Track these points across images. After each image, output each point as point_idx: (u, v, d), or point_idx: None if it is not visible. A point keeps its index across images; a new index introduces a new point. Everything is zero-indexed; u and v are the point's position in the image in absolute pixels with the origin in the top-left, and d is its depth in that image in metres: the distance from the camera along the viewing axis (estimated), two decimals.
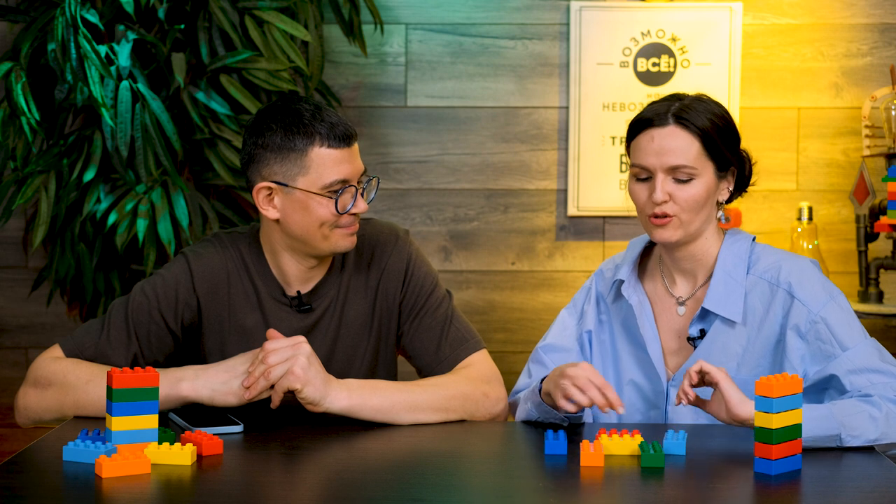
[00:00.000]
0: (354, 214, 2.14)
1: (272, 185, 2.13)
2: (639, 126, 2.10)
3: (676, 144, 2.06)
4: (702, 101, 2.10)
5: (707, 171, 2.08)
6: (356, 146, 2.15)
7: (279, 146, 2.11)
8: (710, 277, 2.13)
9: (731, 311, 2.09)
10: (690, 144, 2.06)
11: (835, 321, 2.03)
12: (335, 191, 2.10)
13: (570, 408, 1.96)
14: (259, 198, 2.14)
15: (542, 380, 2.08)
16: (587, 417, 2.18)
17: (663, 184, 2.06)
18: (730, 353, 2.10)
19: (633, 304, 2.16)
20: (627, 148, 2.14)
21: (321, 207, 2.11)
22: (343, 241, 2.15)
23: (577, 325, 2.25)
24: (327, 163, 2.10)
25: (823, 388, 2.04)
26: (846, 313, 2.05)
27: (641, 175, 2.09)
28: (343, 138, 2.11)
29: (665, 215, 2.06)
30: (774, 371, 2.07)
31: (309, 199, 2.11)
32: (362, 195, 2.14)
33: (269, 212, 2.14)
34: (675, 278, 2.18)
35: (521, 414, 2.15)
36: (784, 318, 2.07)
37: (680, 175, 2.06)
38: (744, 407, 1.89)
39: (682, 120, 2.06)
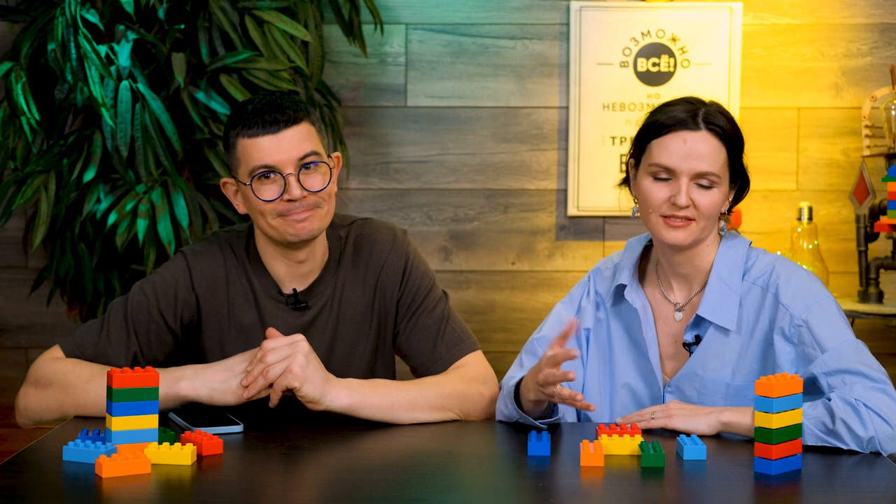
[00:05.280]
0: (291, 201, 2.10)
1: (229, 180, 2.19)
2: (665, 126, 2.06)
3: (707, 150, 2.04)
4: (719, 109, 2.09)
5: (725, 180, 2.08)
6: (289, 132, 2.09)
7: (225, 142, 2.17)
8: (706, 283, 2.13)
9: (725, 318, 2.08)
10: (719, 152, 2.05)
11: (817, 324, 2.01)
12: (259, 177, 2.10)
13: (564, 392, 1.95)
14: (228, 194, 2.20)
15: (517, 385, 2.07)
16: (568, 416, 2.15)
17: (688, 188, 2.04)
18: (724, 359, 2.09)
19: (637, 308, 2.15)
20: (642, 145, 2.10)
21: (253, 197, 2.12)
22: (289, 228, 2.12)
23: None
24: (250, 151, 2.11)
25: (810, 391, 2.03)
26: (831, 316, 2.03)
27: (661, 175, 2.06)
28: (267, 124, 2.09)
29: (686, 218, 2.06)
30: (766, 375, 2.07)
31: (247, 190, 2.12)
32: (298, 180, 2.10)
33: (238, 207, 2.19)
34: (671, 284, 2.17)
35: (500, 412, 2.14)
36: (771, 322, 2.06)
37: (703, 181, 2.05)
38: (695, 422, 1.98)
39: (712, 126, 2.05)
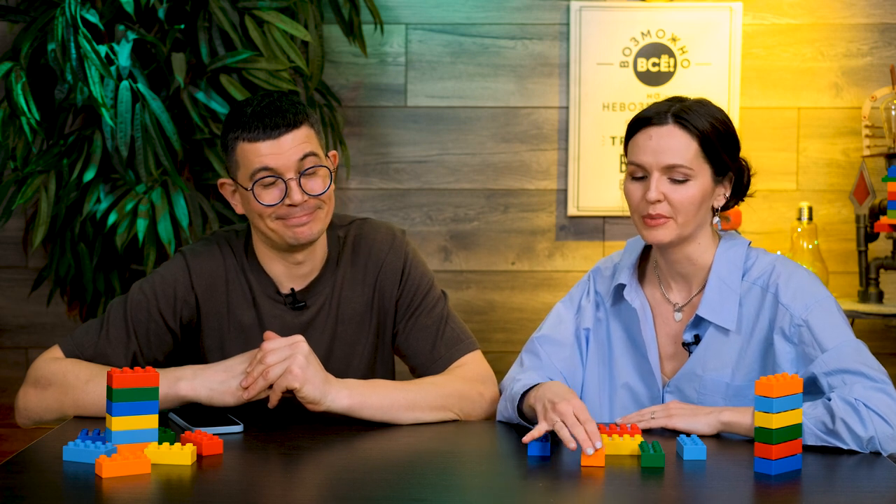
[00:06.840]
0: (292, 205, 2.10)
1: (227, 181, 2.18)
2: (638, 124, 2.08)
3: (674, 143, 2.04)
4: (703, 105, 2.08)
5: (703, 173, 2.06)
6: (290, 136, 2.09)
7: (223, 144, 2.17)
8: (706, 283, 2.12)
9: (725, 318, 2.08)
10: (688, 145, 2.04)
11: (817, 324, 2.01)
12: (260, 182, 2.10)
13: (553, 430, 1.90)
14: (225, 194, 2.20)
15: (525, 391, 2.04)
16: None
17: (658, 183, 2.04)
18: (724, 359, 2.09)
19: (636, 308, 2.15)
20: (626, 146, 2.12)
21: (253, 200, 2.12)
22: (289, 231, 2.12)
23: (573, 319, 2.24)
24: (249, 155, 2.10)
25: (810, 391, 2.03)
26: (831, 315, 2.03)
27: (637, 173, 2.07)
28: (268, 128, 2.08)
29: (659, 216, 2.05)
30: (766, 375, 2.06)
31: (248, 194, 2.12)
32: (299, 184, 2.09)
33: (236, 207, 2.19)
34: (671, 284, 2.17)
35: (500, 413, 2.14)
36: (771, 322, 2.06)
37: (675, 175, 2.04)
38: (695, 422, 1.98)
39: (681, 120, 2.04)
